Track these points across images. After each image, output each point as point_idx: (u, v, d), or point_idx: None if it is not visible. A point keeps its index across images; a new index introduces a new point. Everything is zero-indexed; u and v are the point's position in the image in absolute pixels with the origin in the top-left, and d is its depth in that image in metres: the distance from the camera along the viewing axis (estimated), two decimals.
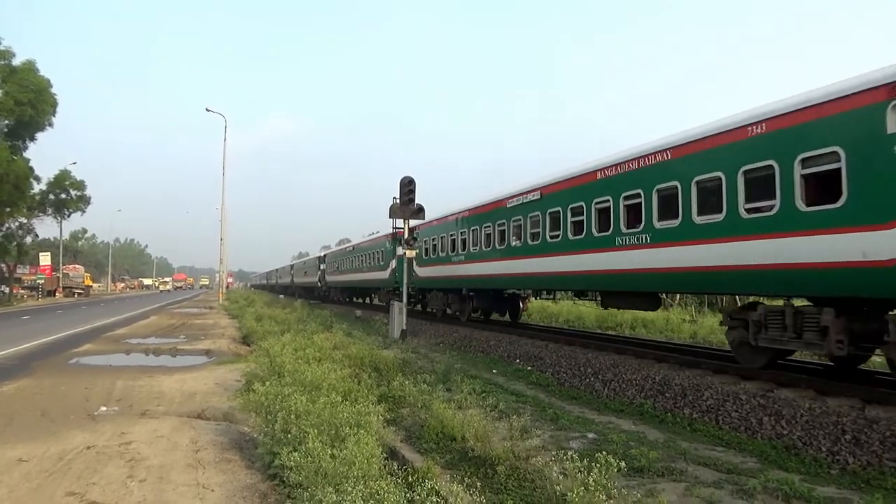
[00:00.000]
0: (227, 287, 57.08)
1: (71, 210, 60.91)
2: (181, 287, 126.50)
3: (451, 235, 20.08)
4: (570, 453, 4.71)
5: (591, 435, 6.95)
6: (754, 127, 8.43)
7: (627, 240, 11.03)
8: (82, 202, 61.12)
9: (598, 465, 4.12)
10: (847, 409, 6.72)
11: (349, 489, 3.87)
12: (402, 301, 17.60)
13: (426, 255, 22.45)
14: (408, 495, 4.00)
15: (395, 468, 4.79)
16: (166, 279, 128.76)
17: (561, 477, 4.35)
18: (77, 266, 70.24)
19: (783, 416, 6.98)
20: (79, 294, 61.76)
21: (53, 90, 45.28)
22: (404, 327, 17.02)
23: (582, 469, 4.15)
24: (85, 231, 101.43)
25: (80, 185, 60.04)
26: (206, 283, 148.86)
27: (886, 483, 5.36)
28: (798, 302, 8.76)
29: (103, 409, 8.30)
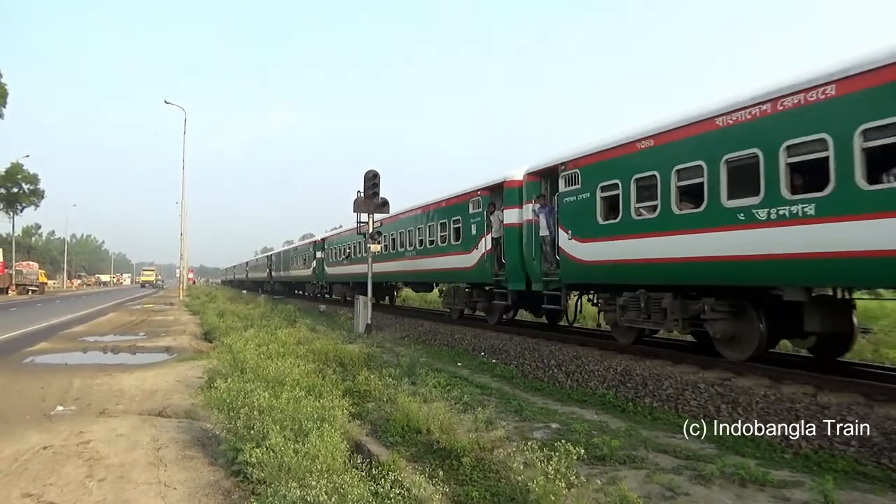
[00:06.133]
0: (191, 283, 56.04)
1: (23, 205, 59.15)
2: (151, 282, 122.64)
3: (338, 247, 29.48)
4: (531, 443, 4.76)
5: (554, 425, 7.05)
6: (442, 202, 17.52)
7: (409, 253, 20.03)
8: (35, 196, 59.47)
9: (557, 455, 4.18)
10: (800, 395, 6.94)
11: (313, 483, 3.87)
12: (367, 295, 17.55)
13: (331, 258, 31.46)
14: (372, 488, 4.01)
15: (360, 462, 4.79)
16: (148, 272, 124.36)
17: (523, 467, 4.41)
18: (31, 263, 67.68)
19: (740, 403, 7.18)
20: (33, 291, 59.50)
21: (4, 80, 43.96)
22: (369, 321, 16.95)
23: (543, 459, 4.21)
24: (39, 226, 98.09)
25: (33, 179, 58.39)
26: (151, 278, 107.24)
27: (836, 465, 5.57)
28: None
29: (60, 408, 8.11)
